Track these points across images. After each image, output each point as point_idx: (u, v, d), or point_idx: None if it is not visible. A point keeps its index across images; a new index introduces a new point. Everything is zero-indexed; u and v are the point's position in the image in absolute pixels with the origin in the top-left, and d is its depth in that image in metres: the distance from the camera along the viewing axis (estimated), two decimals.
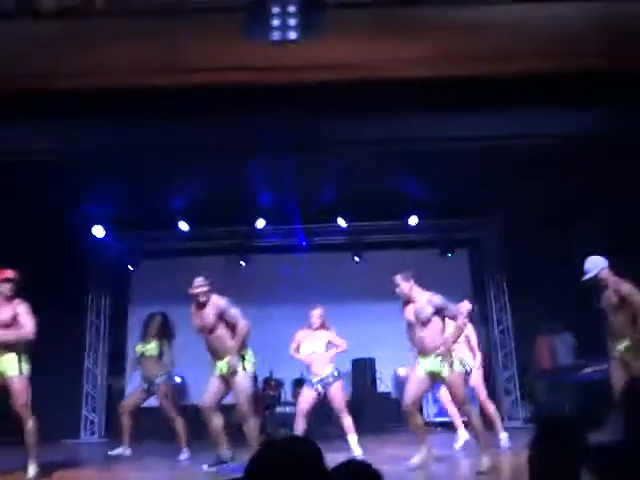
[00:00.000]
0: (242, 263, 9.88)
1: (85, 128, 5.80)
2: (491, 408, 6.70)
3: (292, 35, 4.45)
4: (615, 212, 7.34)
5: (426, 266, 9.64)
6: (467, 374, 6.29)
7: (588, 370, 7.25)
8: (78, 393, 9.54)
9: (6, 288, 5.36)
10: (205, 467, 5.51)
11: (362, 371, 9.29)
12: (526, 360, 9.47)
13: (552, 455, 1.97)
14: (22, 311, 5.32)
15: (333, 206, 8.96)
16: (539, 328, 9.06)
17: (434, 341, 5.24)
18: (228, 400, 5.90)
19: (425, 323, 5.29)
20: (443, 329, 5.35)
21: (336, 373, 6.37)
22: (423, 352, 5.30)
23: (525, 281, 9.14)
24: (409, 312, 5.44)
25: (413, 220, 9.42)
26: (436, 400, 9.16)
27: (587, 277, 5.30)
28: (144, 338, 7.15)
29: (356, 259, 9.79)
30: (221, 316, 5.60)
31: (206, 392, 5.65)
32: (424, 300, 5.35)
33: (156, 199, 8.39)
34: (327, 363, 6.34)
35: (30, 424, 5.23)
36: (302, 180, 7.88)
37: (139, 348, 7.16)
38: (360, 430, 6.51)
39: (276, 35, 4.45)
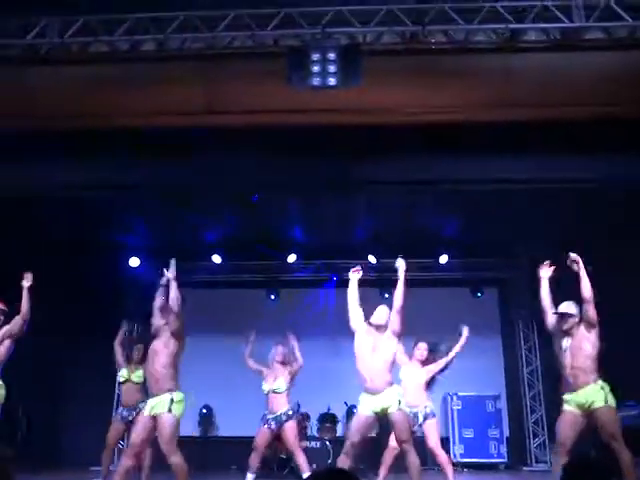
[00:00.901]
0: (272, 296, 10.01)
1: (121, 166, 6.03)
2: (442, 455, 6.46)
3: (331, 81, 4.66)
4: None
5: (456, 304, 9.71)
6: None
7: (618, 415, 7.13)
8: (109, 421, 9.67)
9: None
10: None
11: None
12: (555, 403, 9.35)
13: None
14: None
15: (364, 243, 9.08)
16: None
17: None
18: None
19: None
20: None
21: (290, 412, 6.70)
22: None
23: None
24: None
25: (443, 259, 9.48)
26: (462, 440, 9.12)
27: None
28: (128, 365, 7.03)
29: (386, 295, 9.83)
30: None
31: None
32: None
33: (190, 232, 8.62)
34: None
35: None
36: (335, 217, 8.05)
37: (125, 374, 7.00)
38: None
39: (316, 81, 4.65)
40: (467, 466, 8.75)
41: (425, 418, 6.29)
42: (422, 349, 6.59)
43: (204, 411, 9.93)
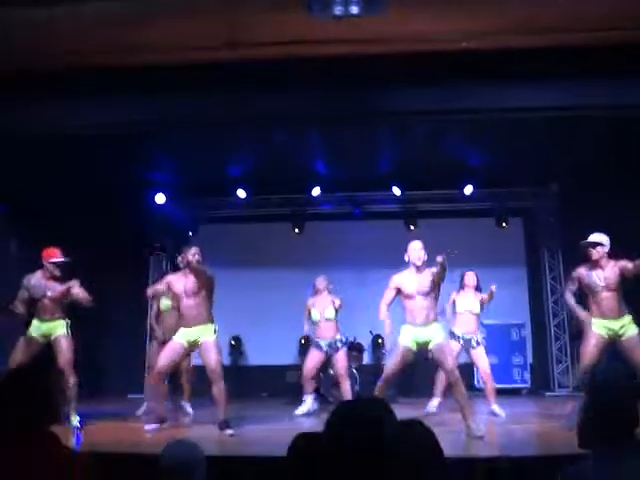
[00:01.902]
0: (297, 230, 10.09)
1: (149, 102, 6.01)
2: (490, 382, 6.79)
3: (354, 9, 4.53)
4: None
5: (481, 235, 9.71)
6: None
7: None
8: (142, 352, 10.03)
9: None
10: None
11: None
12: (578, 331, 9.45)
13: (601, 421, 2.07)
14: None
15: (388, 175, 9.04)
16: None
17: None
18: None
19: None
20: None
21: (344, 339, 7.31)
22: None
23: (581, 251, 9.06)
24: None
25: (468, 189, 9.40)
26: None
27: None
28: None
29: (411, 227, 9.86)
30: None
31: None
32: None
33: (216, 168, 8.65)
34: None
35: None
36: (358, 149, 7.99)
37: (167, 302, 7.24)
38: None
39: (338, 10, 4.53)
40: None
41: (478, 344, 6.60)
42: (471, 276, 6.80)
43: (233, 342, 10.21)
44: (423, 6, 4.84)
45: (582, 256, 5.56)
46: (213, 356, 5.57)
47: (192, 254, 5.72)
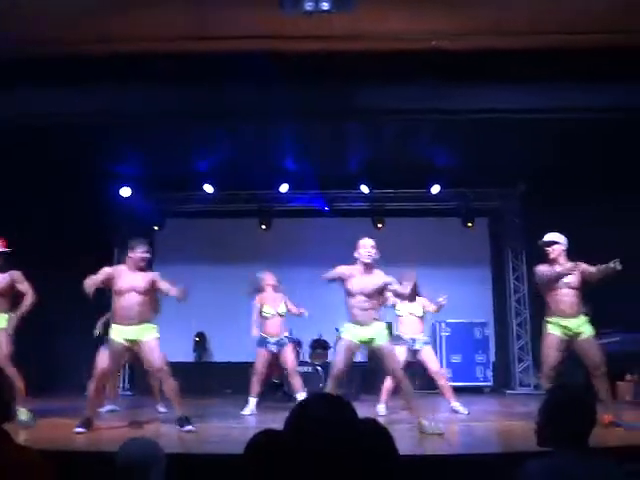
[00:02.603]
0: (264, 226, 10.05)
1: (115, 92, 5.92)
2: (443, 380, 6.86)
3: (325, 5, 4.51)
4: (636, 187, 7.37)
5: (447, 235, 9.81)
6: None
7: (602, 341, 7.37)
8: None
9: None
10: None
11: None
12: (540, 329, 9.61)
13: (560, 421, 2.10)
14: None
15: (357, 173, 9.06)
16: None
17: None
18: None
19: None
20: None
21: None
22: None
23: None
24: None
25: (435, 189, 9.49)
26: (450, 365, 9.41)
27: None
28: None
29: (378, 225, 9.90)
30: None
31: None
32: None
33: (183, 161, 8.55)
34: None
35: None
36: (327, 146, 7.98)
37: None
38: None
39: (309, 5, 4.51)
40: (454, 389, 9.02)
41: (423, 345, 6.62)
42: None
43: (197, 339, 10.14)
44: (394, 4, 4.86)
45: (542, 256, 5.63)
46: (156, 355, 5.41)
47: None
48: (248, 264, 9.79)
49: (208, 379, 9.44)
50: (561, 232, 5.54)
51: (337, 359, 5.33)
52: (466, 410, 6.53)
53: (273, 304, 7.14)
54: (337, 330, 8.99)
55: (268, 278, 7.26)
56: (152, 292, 5.54)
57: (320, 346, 9.00)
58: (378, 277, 5.34)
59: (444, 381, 6.80)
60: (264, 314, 7.10)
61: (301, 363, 8.65)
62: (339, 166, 8.80)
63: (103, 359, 5.78)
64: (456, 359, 9.45)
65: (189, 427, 5.22)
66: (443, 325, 9.53)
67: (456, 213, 9.98)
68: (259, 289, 7.27)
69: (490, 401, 8.49)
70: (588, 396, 2.20)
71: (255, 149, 8.07)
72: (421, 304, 6.92)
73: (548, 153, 7.54)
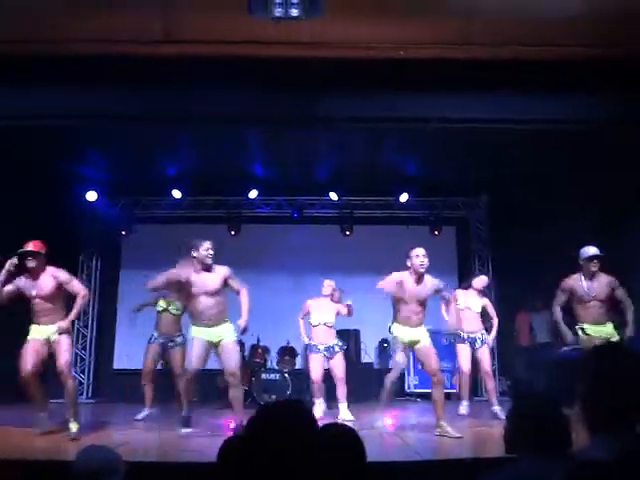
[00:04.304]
0: (232, 232, 10.00)
1: (82, 94, 5.83)
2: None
3: (294, 12, 4.52)
4: (600, 197, 7.52)
5: (415, 243, 9.82)
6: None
7: (566, 348, 7.50)
8: None
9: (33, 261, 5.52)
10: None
11: (347, 342, 9.49)
12: (506, 337, 9.72)
13: (526, 428, 2.12)
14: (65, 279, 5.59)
15: (326, 180, 9.07)
16: (520, 306, 9.30)
17: None
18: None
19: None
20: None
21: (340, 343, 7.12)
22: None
23: (509, 260, 9.37)
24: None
25: (404, 197, 9.56)
26: (417, 372, 9.46)
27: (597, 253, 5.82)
28: (167, 296, 7.18)
29: (347, 233, 9.93)
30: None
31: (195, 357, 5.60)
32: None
33: (151, 166, 8.46)
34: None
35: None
36: (296, 153, 7.99)
37: (163, 303, 7.22)
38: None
39: (278, 11, 4.51)
40: (420, 396, 9.08)
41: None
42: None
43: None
44: (363, 13, 4.89)
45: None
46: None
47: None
48: None
49: (174, 387, 9.31)
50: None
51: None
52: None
53: (321, 312, 7.19)
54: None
55: (324, 287, 7.27)
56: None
57: (288, 353, 8.96)
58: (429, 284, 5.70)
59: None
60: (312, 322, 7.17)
61: (268, 370, 8.62)
62: (308, 173, 8.81)
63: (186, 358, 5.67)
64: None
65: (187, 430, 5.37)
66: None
67: (424, 221, 10.06)
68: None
69: (456, 407, 8.53)
70: (555, 403, 2.21)
71: (224, 155, 8.03)
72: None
73: (514, 163, 7.65)
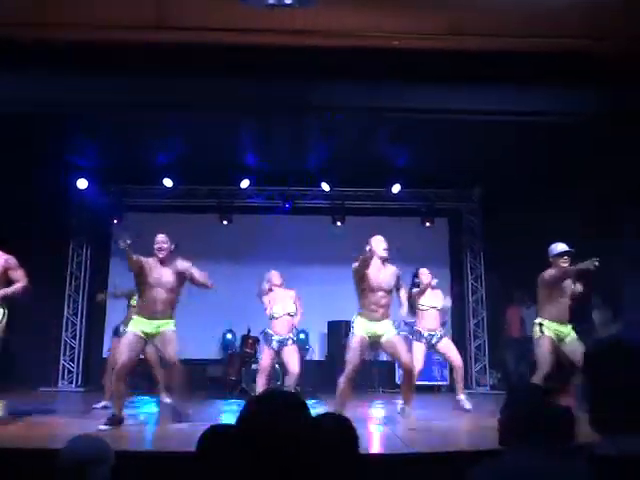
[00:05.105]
0: (224, 222, 9.96)
1: (72, 81, 5.76)
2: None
3: (287, 0, 4.48)
4: (591, 191, 7.52)
5: (407, 234, 9.86)
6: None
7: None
8: (57, 342, 9.65)
9: None
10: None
11: (337, 333, 9.50)
12: (497, 330, 9.76)
13: (519, 419, 2.11)
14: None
15: (318, 170, 9.04)
16: (511, 299, 9.32)
17: None
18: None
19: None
20: None
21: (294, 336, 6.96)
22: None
23: (501, 253, 9.39)
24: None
25: (396, 188, 9.54)
26: None
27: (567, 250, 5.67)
28: None
29: (338, 223, 9.92)
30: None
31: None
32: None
33: (141, 154, 8.40)
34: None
35: None
36: (289, 143, 7.94)
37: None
38: (334, 390, 6.77)
39: None
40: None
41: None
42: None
43: None
44: (358, 2, 4.85)
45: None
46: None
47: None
48: (207, 260, 9.67)
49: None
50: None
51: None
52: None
53: (282, 303, 7.04)
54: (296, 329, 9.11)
55: (274, 278, 7.15)
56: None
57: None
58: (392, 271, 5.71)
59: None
60: (273, 314, 7.00)
61: (258, 360, 8.59)
62: (300, 163, 8.78)
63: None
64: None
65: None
66: (402, 324, 9.57)
67: (416, 213, 10.06)
68: (268, 288, 7.15)
69: (447, 400, 8.57)
70: (548, 394, 2.20)
71: (215, 144, 7.98)
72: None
73: (506, 155, 7.65)
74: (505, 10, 4.83)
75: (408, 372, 5.52)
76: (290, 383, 6.73)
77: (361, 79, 5.56)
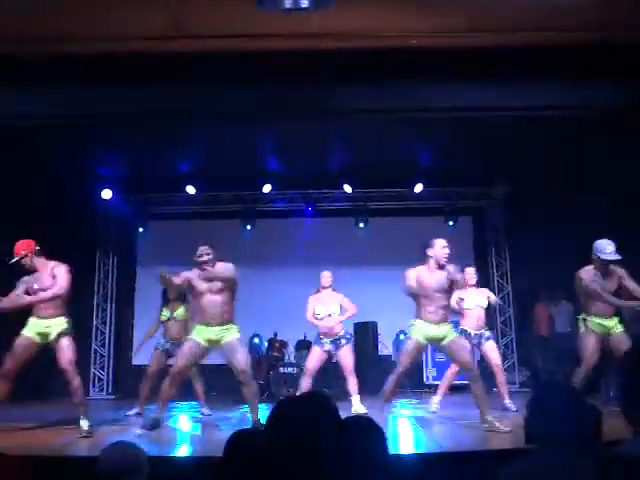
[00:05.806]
0: (248, 227, 10.02)
1: (95, 92, 5.85)
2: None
3: (304, 3, 4.49)
4: (617, 185, 7.41)
5: (430, 233, 9.76)
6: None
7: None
8: (87, 351, 9.78)
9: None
10: None
11: (364, 334, 9.48)
12: (524, 327, 9.65)
13: (549, 418, 2.09)
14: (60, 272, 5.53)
15: (340, 172, 9.05)
16: (538, 296, 9.21)
17: None
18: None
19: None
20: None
21: (348, 335, 6.86)
22: None
23: (527, 250, 9.28)
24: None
25: (418, 188, 9.50)
26: (435, 364, 9.43)
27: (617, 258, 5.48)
28: (167, 303, 7.21)
29: (360, 225, 9.91)
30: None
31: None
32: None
33: (164, 163, 8.48)
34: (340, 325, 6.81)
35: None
36: (310, 146, 7.96)
37: (166, 312, 7.22)
38: (361, 391, 6.76)
39: (288, 3, 4.48)
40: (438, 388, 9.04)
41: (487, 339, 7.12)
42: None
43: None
44: (374, 2, 4.84)
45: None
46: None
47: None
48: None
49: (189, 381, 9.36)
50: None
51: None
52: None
53: (326, 305, 6.96)
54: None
55: (323, 279, 7.07)
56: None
57: (304, 347, 8.96)
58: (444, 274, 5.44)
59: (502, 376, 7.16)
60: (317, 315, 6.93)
61: (286, 364, 8.63)
62: (322, 166, 8.79)
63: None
64: (441, 358, 9.39)
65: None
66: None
67: (439, 212, 10.00)
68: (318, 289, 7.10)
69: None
70: (579, 394, 2.17)
71: (237, 150, 8.02)
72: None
73: (531, 153, 7.56)
74: (524, 4, 4.79)
75: (474, 377, 5.35)
76: (350, 388, 6.65)
77: (380, 80, 5.55)
